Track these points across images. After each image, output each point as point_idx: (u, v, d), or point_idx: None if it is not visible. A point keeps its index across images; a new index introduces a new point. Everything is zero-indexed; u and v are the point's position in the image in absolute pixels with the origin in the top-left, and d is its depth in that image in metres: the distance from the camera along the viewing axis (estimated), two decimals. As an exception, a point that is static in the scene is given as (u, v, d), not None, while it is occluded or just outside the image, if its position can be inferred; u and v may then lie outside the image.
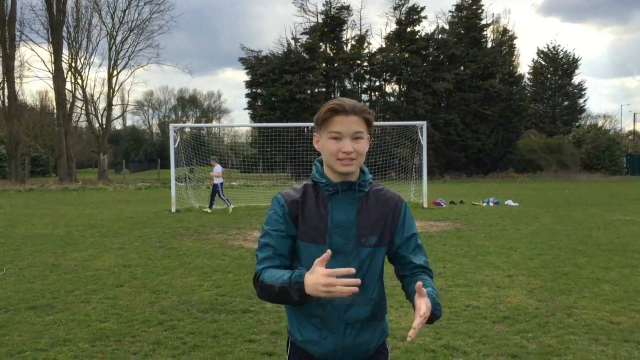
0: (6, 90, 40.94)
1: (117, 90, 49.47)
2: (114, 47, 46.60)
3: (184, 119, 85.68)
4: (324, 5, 47.28)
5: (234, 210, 18.17)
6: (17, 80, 42.42)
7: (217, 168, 18.45)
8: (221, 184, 18.57)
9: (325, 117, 2.02)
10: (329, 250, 1.82)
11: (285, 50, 46.37)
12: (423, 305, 1.85)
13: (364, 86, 49.04)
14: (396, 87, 49.08)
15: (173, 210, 18.10)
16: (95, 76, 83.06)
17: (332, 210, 2.05)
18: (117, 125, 75.14)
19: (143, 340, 5.26)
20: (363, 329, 2.06)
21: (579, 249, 10.27)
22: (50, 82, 43.53)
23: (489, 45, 49.98)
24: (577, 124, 59.35)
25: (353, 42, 48.34)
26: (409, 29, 47.56)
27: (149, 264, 9.08)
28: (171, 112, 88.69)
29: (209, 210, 18.12)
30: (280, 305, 6.27)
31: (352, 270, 1.79)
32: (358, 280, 1.76)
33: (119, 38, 46.83)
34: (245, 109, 48.33)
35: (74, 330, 5.52)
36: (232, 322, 5.81)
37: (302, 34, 47.14)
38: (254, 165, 38.20)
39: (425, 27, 53.00)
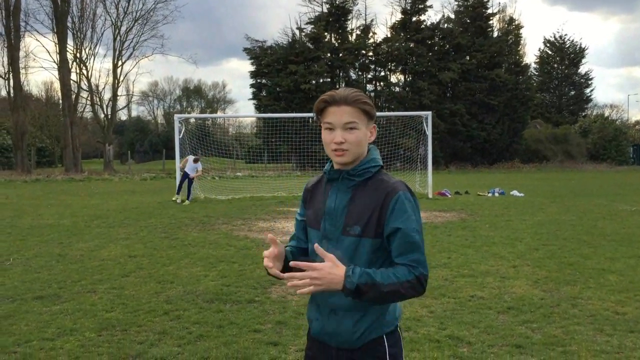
0: (12, 81, 41.00)
1: (122, 80, 49.49)
2: (118, 38, 46.54)
3: (188, 109, 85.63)
4: (329, -6, 47.06)
5: (195, 202, 17.87)
6: (22, 71, 42.48)
7: (199, 165, 18.31)
8: (193, 179, 18.39)
9: (319, 107, 2.06)
10: (270, 236, 2.02)
11: (290, 40, 46.22)
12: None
13: (369, 76, 48.91)
14: (401, 77, 48.92)
15: (178, 201, 18.13)
16: (100, 67, 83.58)
17: (328, 197, 2.12)
18: (122, 115, 75.42)
19: (149, 329, 5.29)
20: (346, 317, 2.04)
21: (584, 239, 10.24)
22: (56, 73, 43.62)
23: (495, 34, 49.68)
24: (583, 114, 59.05)
25: (358, 32, 48.16)
26: (414, 19, 47.32)
27: (154, 254, 9.11)
28: (176, 103, 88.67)
29: (188, 202, 17.84)
30: (286, 296, 6.32)
31: (310, 265, 1.87)
32: (300, 282, 1.85)
33: (123, 28, 46.77)
34: (250, 99, 48.36)
35: (81, 320, 5.56)
36: (237, 312, 5.83)
37: (307, 23, 46.99)
38: (259, 155, 38.24)
39: (430, 17, 52.81)
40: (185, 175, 18.17)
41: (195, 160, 18.28)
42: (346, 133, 2.01)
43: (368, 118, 2.05)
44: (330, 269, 1.87)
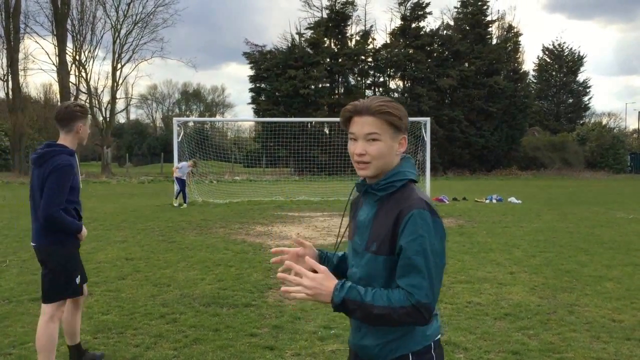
0: (10, 83, 40.99)
1: (121, 83, 49.49)
2: (118, 41, 46.55)
3: (187, 113, 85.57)
4: (328, 0, 47.22)
5: (189, 206, 17.82)
6: (21, 73, 42.50)
7: (186, 165, 18.32)
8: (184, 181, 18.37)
9: (345, 117, 2.00)
10: (294, 237, 2.00)
11: (290, 45, 46.30)
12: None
13: (368, 82, 49.01)
14: (400, 83, 49.03)
15: (176, 204, 18.11)
16: (99, 69, 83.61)
17: (360, 209, 2.09)
18: (121, 118, 75.36)
19: (145, 332, 5.28)
20: (369, 333, 1.99)
21: (581, 246, 10.25)
22: (54, 75, 43.55)
23: (494, 41, 49.82)
24: (581, 122, 59.15)
25: (357, 38, 48.28)
26: (413, 25, 47.45)
27: (151, 257, 9.10)
28: (175, 106, 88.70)
29: (185, 206, 17.81)
30: (283, 300, 6.31)
31: (293, 267, 1.91)
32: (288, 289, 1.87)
33: (123, 31, 46.78)
34: (249, 103, 48.47)
35: (76, 322, 5.54)
36: (233, 315, 5.82)
37: (307, 28, 47.10)
38: (257, 160, 38.20)
39: (430, 23, 53.11)
40: (182, 181, 18.07)
41: (189, 166, 18.28)
42: (367, 144, 1.94)
43: (394, 129, 1.95)
44: (322, 280, 1.85)
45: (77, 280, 4.16)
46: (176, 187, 18.34)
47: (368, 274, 1.96)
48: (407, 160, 2.03)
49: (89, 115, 4.07)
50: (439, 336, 2.01)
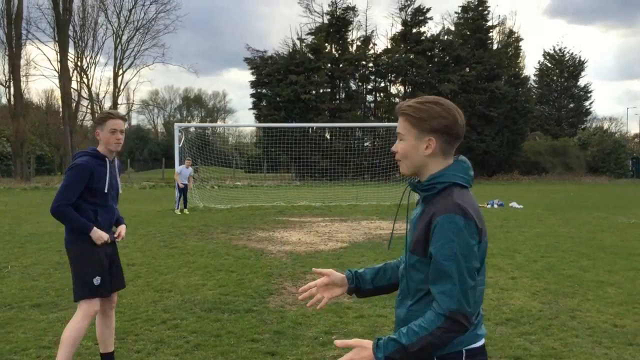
0: (12, 89, 41.12)
1: (123, 89, 49.76)
2: (119, 47, 46.80)
3: (189, 118, 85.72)
4: (329, 5, 47.36)
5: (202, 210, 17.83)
6: (23, 79, 42.60)
7: (190, 171, 18.28)
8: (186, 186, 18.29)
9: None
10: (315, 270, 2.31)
11: (291, 50, 46.39)
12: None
13: (369, 87, 49.06)
14: (401, 88, 49.05)
15: (178, 212, 18.10)
16: (101, 75, 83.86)
17: (415, 208, 2.09)
18: (122, 124, 75.17)
19: (146, 338, 5.27)
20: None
21: (583, 251, 10.24)
22: (56, 81, 43.79)
23: (495, 46, 49.87)
24: (582, 127, 59.15)
25: (358, 43, 48.36)
26: (414, 30, 47.53)
27: (152, 263, 9.10)
28: (176, 112, 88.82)
29: (187, 211, 17.82)
30: (284, 306, 6.31)
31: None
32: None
33: (124, 37, 47.05)
34: (250, 109, 48.43)
35: (78, 328, 5.53)
36: (235, 321, 5.81)
37: (308, 34, 47.19)
38: (259, 165, 38.23)
39: (431, 28, 52.98)
40: (183, 188, 17.98)
41: (187, 166, 18.21)
42: (398, 143, 2.02)
43: (418, 130, 1.96)
44: (358, 352, 1.84)
45: (96, 281, 4.15)
46: (177, 193, 18.26)
47: (408, 272, 1.99)
48: (457, 163, 2.00)
49: (110, 121, 4.13)
50: (476, 345, 1.93)
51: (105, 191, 4.19)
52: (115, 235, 4.39)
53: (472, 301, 1.81)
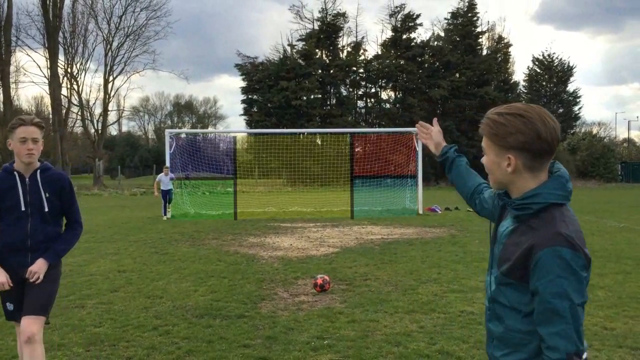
0: (1, 96, 40.97)
1: (113, 96, 49.59)
2: (110, 53, 46.67)
3: (179, 124, 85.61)
4: (320, 12, 47.65)
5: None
6: (12, 86, 42.52)
7: (171, 175, 18.40)
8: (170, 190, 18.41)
9: None
10: None
11: (281, 56, 46.53)
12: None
13: (360, 93, 49.27)
14: (392, 93, 49.31)
15: (168, 216, 18.05)
16: (91, 82, 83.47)
17: (504, 219, 1.97)
18: (113, 130, 75.20)
19: (137, 345, 5.25)
20: (498, 347, 1.92)
21: (573, 255, 10.27)
22: (46, 88, 43.62)
23: (484, 52, 50.26)
24: (572, 131, 59.50)
25: (349, 49, 48.60)
26: (404, 36, 47.82)
27: (143, 269, 9.06)
28: (167, 118, 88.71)
29: (165, 218, 17.86)
30: (276, 311, 6.30)
31: None
32: None
33: (115, 44, 46.92)
34: (241, 115, 48.48)
35: (69, 335, 5.51)
36: (226, 327, 5.80)
37: (298, 40, 47.41)
38: (250, 171, 38.18)
39: (420, 34, 53.33)
40: (165, 193, 18.08)
41: (166, 173, 18.28)
42: (484, 157, 1.91)
43: (496, 146, 1.83)
44: None
45: (9, 306, 3.70)
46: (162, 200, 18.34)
47: (499, 291, 1.89)
48: (554, 179, 1.82)
49: (20, 128, 3.60)
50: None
51: (23, 209, 3.60)
52: (27, 275, 3.58)
53: (583, 337, 1.70)
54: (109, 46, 46.57)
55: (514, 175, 1.81)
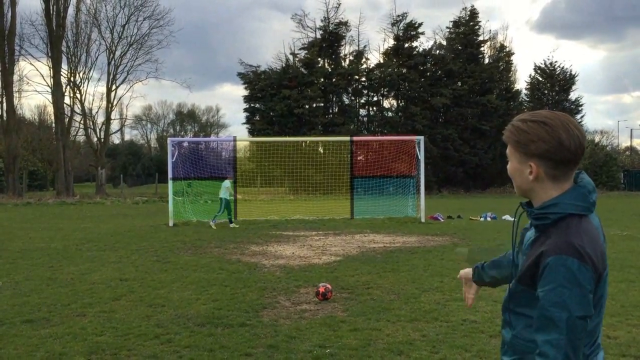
0: (5, 105, 41.06)
1: (116, 104, 49.68)
2: (113, 62, 46.85)
3: (182, 133, 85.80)
4: (322, 21, 47.75)
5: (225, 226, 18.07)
6: (15, 95, 42.59)
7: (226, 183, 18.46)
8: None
9: None
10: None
11: (284, 65, 46.64)
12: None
13: (362, 101, 49.32)
14: (394, 102, 49.35)
15: (170, 224, 18.07)
16: (94, 90, 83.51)
17: (530, 229, 1.96)
18: (116, 139, 75.35)
19: (139, 353, 5.24)
20: (507, 353, 1.94)
21: (576, 263, 10.24)
22: (49, 97, 43.74)
23: (486, 61, 50.32)
24: (574, 140, 59.39)
25: (351, 58, 48.67)
26: (406, 45, 47.91)
27: (145, 277, 9.06)
28: (169, 127, 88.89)
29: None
30: (278, 320, 6.28)
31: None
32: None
33: (118, 53, 47.10)
34: (244, 123, 48.51)
35: (70, 344, 5.50)
36: (228, 335, 5.79)
37: (301, 49, 47.50)
38: (252, 179, 38.21)
39: (422, 43, 53.25)
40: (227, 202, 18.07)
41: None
42: (508, 163, 1.91)
43: (519, 153, 1.83)
44: None
45: None
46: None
47: (513, 297, 1.90)
48: (575, 189, 1.80)
49: None
50: None
51: None
52: None
53: (580, 355, 1.65)
54: (111, 55, 46.79)
55: (536, 183, 1.82)
